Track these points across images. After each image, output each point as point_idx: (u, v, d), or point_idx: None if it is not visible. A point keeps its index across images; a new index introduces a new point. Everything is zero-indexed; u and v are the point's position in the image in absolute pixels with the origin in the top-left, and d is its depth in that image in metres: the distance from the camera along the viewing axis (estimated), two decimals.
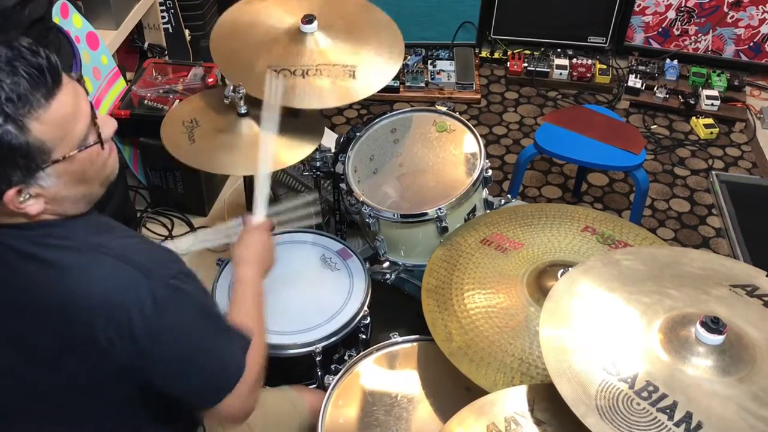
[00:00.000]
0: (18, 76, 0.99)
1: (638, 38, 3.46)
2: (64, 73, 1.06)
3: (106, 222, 1.19)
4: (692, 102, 3.21)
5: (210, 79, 2.59)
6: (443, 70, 3.36)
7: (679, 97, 3.25)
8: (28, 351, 1.14)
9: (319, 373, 1.67)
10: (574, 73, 3.38)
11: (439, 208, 1.69)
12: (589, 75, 3.38)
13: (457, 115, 1.89)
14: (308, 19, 1.81)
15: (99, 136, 1.10)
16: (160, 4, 2.98)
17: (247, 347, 1.23)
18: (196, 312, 1.15)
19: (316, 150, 1.84)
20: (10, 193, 1.03)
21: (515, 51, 3.49)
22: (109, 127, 1.13)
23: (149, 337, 1.08)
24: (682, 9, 3.32)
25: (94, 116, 1.09)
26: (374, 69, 1.81)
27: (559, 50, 3.50)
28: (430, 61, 3.40)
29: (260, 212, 1.56)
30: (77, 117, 1.06)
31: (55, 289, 1.08)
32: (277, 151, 1.81)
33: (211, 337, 1.18)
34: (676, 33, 3.40)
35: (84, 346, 1.09)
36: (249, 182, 2.16)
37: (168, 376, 1.15)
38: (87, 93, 1.12)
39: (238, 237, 1.51)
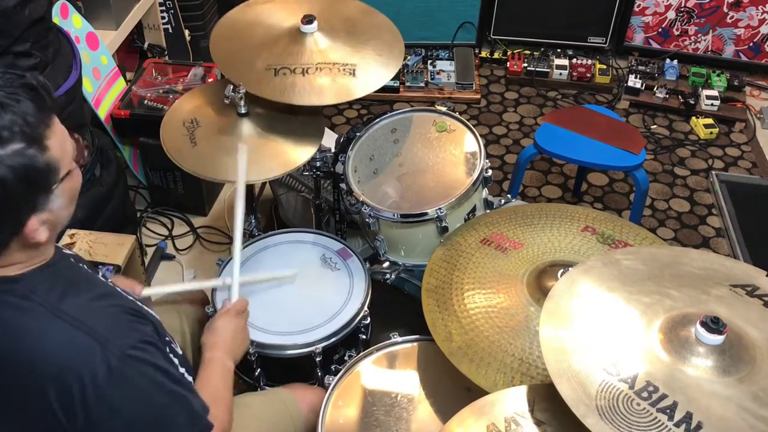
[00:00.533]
0: (22, 100, 1.00)
1: (638, 38, 3.46)
2: None
3: (75, 276, 1.17)
4: (692, 102, 3.21)
5: (210, 79, 2.59)
6: (443, 70, 3.36)
7: (679, 97, 3.25)
8: None
9: (319, 374, 1.67)
10: (574, 73, 3.38)
11: (439, 208, 1.69)
12: (589, 75, 3.38)
13: (457, 115, 1.89)
14: (308, 19, 1.82)
15: (81, 150, 1.11)
16: (160, 4, 2.98)
17: (207, 427, 1.20)
18: (153, 383, 1.12)
19: (317, 150, 1.84)
20: (33, 222, 1.04)
21: (515, 51, 3.49)
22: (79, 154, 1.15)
23: (103, 406, 1.06)
24: (682, 9, 3.32)
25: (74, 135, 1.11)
26: (374, 68, 1.81)
27: (558, 50, 3.50)
28: (430, 61, 3.40)
29: (234, 294, 1.56)
30: (66, 135, 1.08)
31: (10, 351, 1.06)
32: (279, 153, 1.81)
33: (170, 405, 1.15)
34: (676, 33, 3.40)
35: (35, 410, 1.07)
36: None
37: None
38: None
39: (209, 322, 1.50)
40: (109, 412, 1.07)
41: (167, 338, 1.26)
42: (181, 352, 1.30)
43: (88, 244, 1.97)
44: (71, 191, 1.10)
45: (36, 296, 1.08)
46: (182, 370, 1.24)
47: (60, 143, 1.05)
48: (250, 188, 2.19)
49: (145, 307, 1.24)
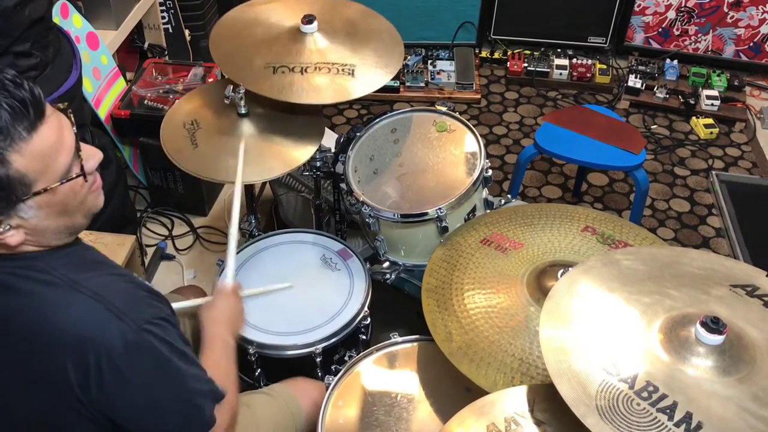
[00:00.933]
0: (0, 109, 0.98)
1: (638, 38, 3.46)
2: (49, 105, 1.06)
3: (92, 257, 1.19)
4: (692, 102, 3.21)
5: (210, 79, 2.59)
6: (443, 70, 3.36)
7: (679, 97, 3.25)
8: (4, 381, 1.14)
9: (320, 374, 1.67)
10: (574, 73, 3.38)
11: (439, 208, 1.69)
12: (589, 75, 3.38)
13: (457, 115, 1.89)
14: (308, 19, 1.82)
15: (82, 168, 1.09)
16: (160, 4, 2.98)
17: (218, 400, 1.23)
18: (167, 359, 1.13)
19: (316, 150, 1.84)
20: None
21: (515, 51, 3.49)
22: (93, 158, 1.12)
23: (116, 380, 1.08)
24: (682, 9, 3.32)
25: (78, 148, 1.08)
26: (373, 69, 1.81)
27: (559, 50, 3.50)
28: (430, 61, 3.40)
29: (229, 275, 1.59)
30: (60, 149, 1.05)
31: (29, 322, 1.08)
32: (279, 153, 1.81)
33: (181, 384, 1.16)
34: (676, 33, 3.40)
35: (51, 381, 1.08)
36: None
37: (133, 421, 1.14)
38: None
39: (207, 301, 1.53)
40: (123, 384, 1.09)
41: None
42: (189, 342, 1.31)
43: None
44: (54, 205, 1.07)
45: (55, 272, 1.09)
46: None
47: (39, 160, 1.02)
48: (249, 186, 2.19)
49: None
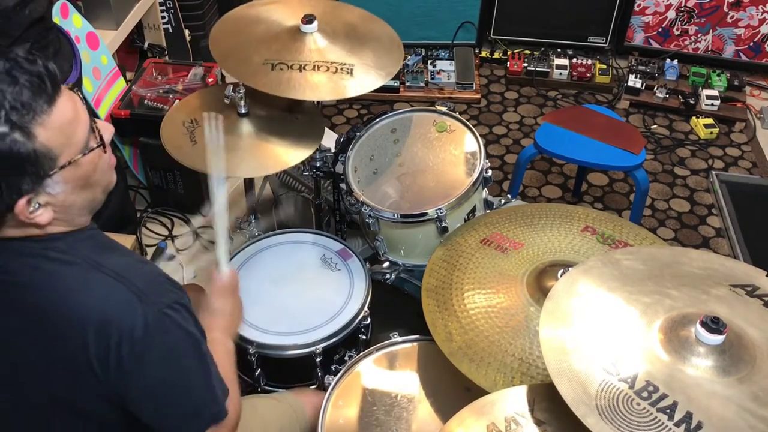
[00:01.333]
0: (19, 86, 1.00)
1: (638, 38, 3.46)
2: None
3: (110, 241, 1.20)
4: (692, 102, 3.21)
5: (210, 79, 2.59)
6: (443, 70, 3.36)
7: (679, 97, 3.25)
8: (16, 361, 1.14)
9: (320, 374, 1.67)
10: (574, 73, 3.38)
11: (439, 208, 1.69)
12: (589, 75, 3.38)
13: (457, 115, 1.89)
14: (308, 19, 1.82)
15: (101, 138, 1.12)
16: (160, 4, 2.98)
17: (227, 394, 1.22)
18: (185, 344, 1.14)
19: (316, 150, 1.84)
20: (21, 202, 1.04)
21: (515, 51, 3.49)
22: (108, 131, 1.15)
23: (134, 360, 1.08)
24: (682, 9, 3.32)
25: (93, 121, 1.11)
26: (372, 69, 1.81)
27: (559, 50, 3.50)
28: (430, 61, 3.40)
29: (224, 264, 1.53)
30: (78, 122, 1.08)
31: (50, 301, 1.08)
32: (279, 152, 1.81)
33: (195, 371, 1.17)
34: (676, 33, 3.40)
35: (72, 359, 1.09)
36: (249, 182, 2.16)
37: (147, 403, 1.14)
38: (84, 100, 1.13)
39: (205, 301, 1.48)
40: (139, 366, 1.09)
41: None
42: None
43: None
44: (78, 178, 1.09)
45: (78, 252, 1.11)
46: None
47: (61, 132, 1.04)
48: (249, 186, 2.19)
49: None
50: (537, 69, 3.40)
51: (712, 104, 3.21)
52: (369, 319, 1.74)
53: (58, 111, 1.04)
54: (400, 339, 1.64)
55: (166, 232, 2.65)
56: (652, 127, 3.20)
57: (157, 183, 2.62)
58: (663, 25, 3.39)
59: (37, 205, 1.07)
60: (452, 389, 1.50)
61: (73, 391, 1.13)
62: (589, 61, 3.39)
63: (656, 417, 1.03)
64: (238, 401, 1.30)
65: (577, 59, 3.40)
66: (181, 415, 1.17)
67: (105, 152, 1.13)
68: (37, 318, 1.10)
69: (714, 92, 3.25)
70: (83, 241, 1.13)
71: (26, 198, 1.05)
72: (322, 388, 1.65)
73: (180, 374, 1.15)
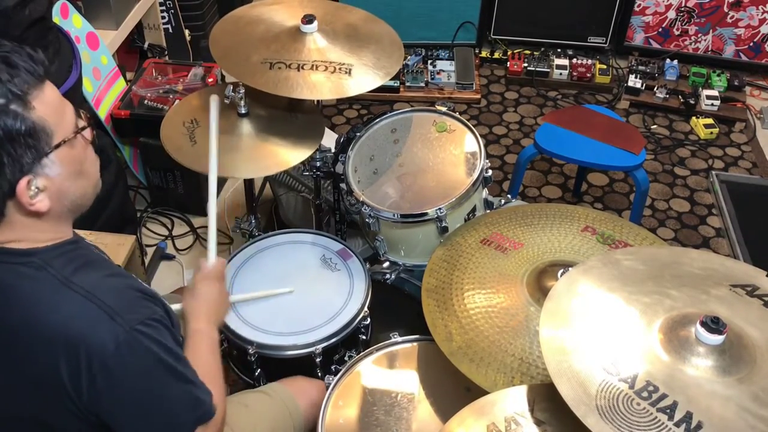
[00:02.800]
0: (14, 66, 1.04)
1: (638, 38, 3.46)
2: None
3: (90, 256, 1.19)
4: (692, 102, 3.21)
5: (210, 79, 2.59)
6: (443, 70, 3.36)
7: (679, 97, 3.25)
8: None
9: (320, 374, 1.67)
10: (574, 73, 3.38)
11: (439, 208, 1.69)
12: (589, 75, 3.38)
13: (457, 115, 1.89)
14: (308, 19, 1.82)
15: (88, 120, 1.15)
16: (160, 4, 2.98)
17: (210, 395, 1.21)
18: (158, 361, 1.12)
19: (316, 150, 1.84)
20: (23, 183, 1.05)
21: (515, 51, 3.49)
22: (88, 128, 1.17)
23: (107, 379, 1.07)
24: (682, 9, 3.32)
25: (76, 108, 1.14)
26: (371, 69, 1.81)
27: (559, 50, 3.50)
28: (430, 61, 3.40)
29: (212, 254, 1.53)
30: (65, 103, 1.12)
31: (21, 320, 1.08)
32: (279, 153, 1.81)
33: (173, 384, 1.15)
34: (676, 33, 3.40)
35: (43, 380, 1.08)
36: (248, 182, 2.16)
37: (126, 420, 1.13)
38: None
39: (190, 284, 1.49)
40: (113, 385, 1.08)
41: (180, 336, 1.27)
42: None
43: None
44: (73, 161, 1.11)
45: (50, 269, 1.10)
46: None
47: (54, 109, 1.08)
48: (249, 186, 2.19)
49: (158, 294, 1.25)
50: (537, 69, 3.40)
51: (712, 104, 3.21)
52: (369, 319, 1.74)
53: (48, 89, 1.08)
54: (400, 339, 1.64)
55: (166, 232, 2.65)
56: (652, 127, 3.20)
57: (157, 183, 2.62)
58: (663, 25, 3.39)
59: (36, 190, 1.08)
60: (452, 389, 1.50)
61: (46, 410, 1.12)
62: (589, 61, 3.39)
63: (656, 417, 1.03)
64: (222, 396, 1.28)
65: (577, 59, 3.40)
66: (165, 426, 1.16)
67: (93, 132, 1.16)
68: (10, 338, 1.09)
69: (714, 92, 3.25)
70: (60, 256, 1.12)
71: (27, 178, 1.06)
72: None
73: (157, 389, 1.13)
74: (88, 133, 1.15)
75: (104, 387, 1.08)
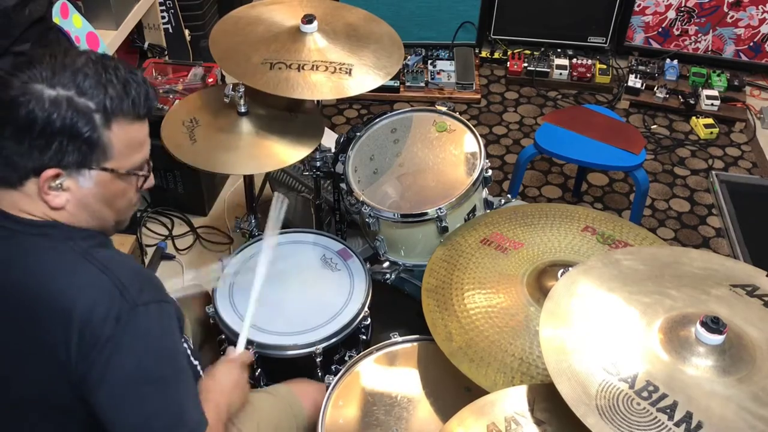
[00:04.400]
0: (127, 93, 1.11)
1: (638, 38, 3.46)
2: None
3: (110, 241, 1.23)
4: (692, 102, 3.21)
5: (210, 79, 2.59)
6: (443, 70, 3.36)
7: (679, 97, 3.25)
8: (4, 346, 1.14)
9: (320, 374, 1.67)
10: (574, 73, 3.38)
11: (439, 208, 1.69)
12: (589, 75, 3.38)
13: (457, 115, 1.89)
14: (308, 19, 1.82)
15: (148, 170, 1.19)
16: (160, 4, 2.98)
17: (205, 424, 1.16)
18: (155, 347, 1.11)
19: (316, 150, 1.84)
20: (51, 171, 1.09)
21: (515, 51, 3.49)
22: (152, 179, 1.22)
23: (97, 354, 1.07)
24: (682, 9, 3.32)
25: (150, 160, 1.19)
26: (371, 69, 1.81)
27: (559, 50, 3.50)
28: (430, 61, 3.40)
29: (241, 344, 1.52)
30: (142, 149, 1.18)
31: (37, 286, 1.09)
32: (278, 151, 1.81)
33: (165, 379, 1.12)
34: (676, 33, 3.40)
35: (49, 350, 1.08)
36: (249, 182, 2.16)
37: (109, 403, 1.09)
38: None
39: (210, 368, 1.40)
40: (101, 360, 1.07)
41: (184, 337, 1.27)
42: (193, 347, 1.30)
43: None
44: (109, 189, 1.15)
45: (71, 241, 1.13)
46: (195, 361, 1.26)
47: (127, 144, 1.13)
48: (249, 186, 2.19)
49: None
50: (537, 69, 3.40)
51: (712, 104, 3.21)
52: (369, 319, 1.74)
53: (137, 128, 1.15)
54: (400, 339, 1.64)
55: (166, 232, 2.65)
56: (652, 127, 3.20)
57: (157, 183, 2.60)
58: (663, 25, 3.39)
59: (59, 185, 1.11)
60: (452, 389, 1.50)
61: (49, 381, 1.11)
62: (589, 61, 3.39)
63: (656, 417, 1.03)
64: (219, 424, 1.24)
65: (577, 59, 3.40)
66: (143, 423, 1.10)
67: (144, 184, 1.20)
68: (23, 304, 1.10)
69: (714, 92, 3.25)
70: (80, 231, 1.15)
71: (57, 171, 1.09)
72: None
73: (146, 374, 1.10)
74: (140, 182, 1.19)
75: (94, 360, 1.07)
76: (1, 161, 1.10)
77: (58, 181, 1.10)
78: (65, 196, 1.12)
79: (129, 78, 1.12)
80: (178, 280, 1.67)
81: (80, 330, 1.06)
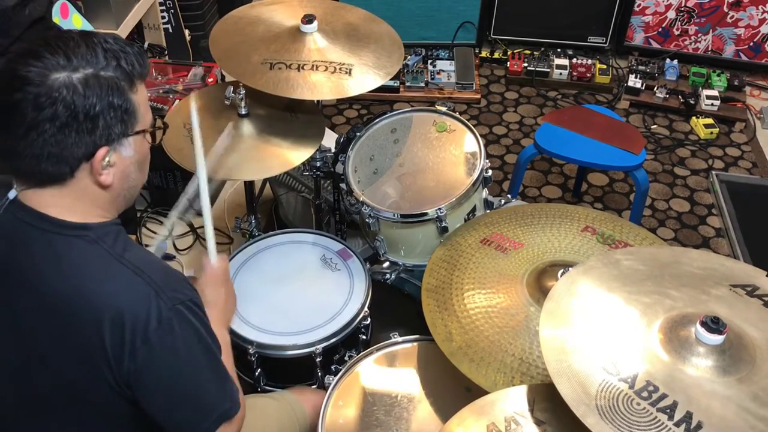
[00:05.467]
0: (129, 56, 1.14)
1: (638, 38, 3.46)
2: None
3: (130, 239, 1.23)
4: (692, 102, 3.21)
5: (210, 79, 2.59)
6: (443, 70, 3.36)
7: (679, 97, 3.25)
8: (30, 348, 1.15)
9: (320, 374, 1.67)
10: (574, 73, 3.38)
11: (439, 208, 1.69)
12: (589, 75, 3.38)
13: (457, 115, 1.89)
14: (308, 19, 1.82)
15: (163, 124, 1.23)
16: (160, 4, 2.98)
17: (238, 391, 1.24)
18: (196, 343, 1.15)
19: (317, 150, 1.84)
20: (102, 151, 1.10)
21: (515, 51, 3.49)
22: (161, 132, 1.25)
23: (147, 354, 1.09)
24: (682, 9, 3.32)
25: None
26: (371, 69, 1.81)
27: (559, 50, 3.50)
28: (430, 61, 3.40)
29: (212, 253, 1.52)
30: (148, 106, 1.20)
31: (73, 289, 1.10)
32: (280, 153, 1.81)
33: (207, 369, 1.18)
34: (676, 33, 3.40)
35: (86, 348, 1.10)
36: (249, 182, 2.16)
37: (159, 399, 1.15)
38: None
39: (197, 285, 1.46)
40: (152, 359, 1.10)
41: None
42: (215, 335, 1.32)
43: None
44: (142, 152, 1.19)
45: (104, 243, 1.14)
46: None
47: (144, 102, 1.17)
48: (249, 186, 2.19)
49: None
50: (537, 69, 3.40)
51: (712, 104, 3.21)
52: (369, 319, 1.74)
53: (142, 88, 1.17)
54: (400, 339, 1.64)
55: (166, 232, 2.65)
56: (652, 127, 3.20)
57: (157, 183, 2.62)
58: (663, 25, 3.39)
59: (108, 162, 1.12)
60: (452, 389, 1.50)
61: (86, 381, 1.13)
62: (589, 61, 3.39)
63: (656, 417, 1.03)
64: (242, 396, 1.30)
65: (577, 59, 3.40)
66: (193, 412, 1.17)
67: (162, 134, 1.23)
68: (60, 305, 1.11)
69: (714, 92, 3.25)
70: (109, 233, 1.16)
71: (106, 148, 1.11)
72: (322, 388, 1.65)
73: (192, 370, 1.16)
74: (155, 136, 1.21)
75: (143, 361, 1.10)
76: (52, 160, 1.09)
77: (107, 159, 1.12)
78: (113, 172, 1.14)
79: (120, 44, 1.14)
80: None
81: (121, 333, 1.08)
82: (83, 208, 1.15)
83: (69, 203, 1.13)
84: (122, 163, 1.15)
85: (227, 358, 1.37)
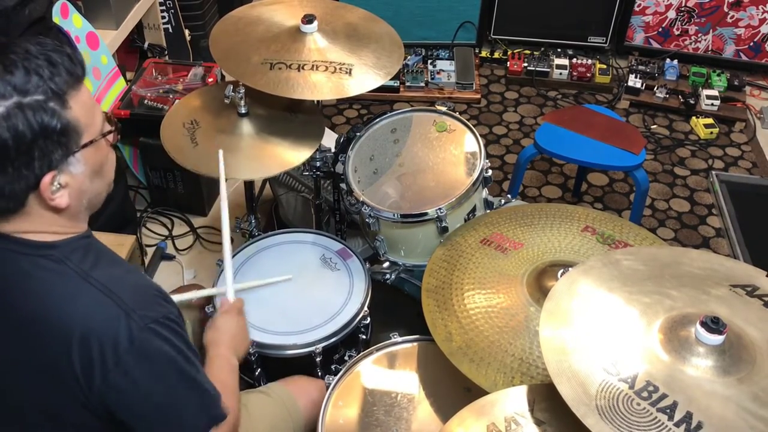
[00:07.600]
0: (56, 65, 1.06)
1: (638, 38, 3.46)
2: None
3: (103, 249, 1.21)
4: (692, 102, 3.21)
5: (210, 79, 2.59)
6: (443, 70, 3.36)
7: (679, 97, 3.25)
8: (3, 362, 1.15)
9: (319, 373, 1.67)
10: (574, 73, 3.38)
11: (439, 208, 1.69)
12: (589, 75, 3.38)
13: (457, 115, 1.89)
14: (308, 19, 1.82)
15: (114, 124, 1.17)
16: (160, 4, 2.98)
17: (219, 398, 1.22)
18: (174, 357, 1.13)
19: (316, 150, 1.84)
20: (47, 178, 1.06)
21: (515, 51, 3.49)
22: (118, 131, 1.19)
23: (119, 374, 1.08)
24: (682, 9, 3.32)
25: (105, 112, 1.16)
26: (371, 69, 1.81)
27: (559, 50, 3.50)
28: (430, 61, 3.40)
29: (230, 292, 1.57)
30: (95, 106, 1.13)
31: (38, 309, 1.09)
32: (279, 153, 1.81)
33: (185, 385, 1.16)
34: (676, 33, 3.40)
35: (55, 369, 1.09)
36: (249, 182, 2.16)
37: (139, 417, 1.14)
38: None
39: (210, 321, 1.50)
40: (125, 380, 1.09)
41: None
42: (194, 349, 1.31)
43: None
44: (95, 161, 1.13)
45: (70, 262, 1.11)
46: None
47: (87, 110, 1.10)
48: (249, 186, 2.19)
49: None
50: (537, 69, 3.40)
51: (712, 104, 3.21)
52: (369, 319, 1.74)
53: (84, 91, 1.10)
54: (400, 339, 1.64)
55: (166, 232, 2.65)
56: (652, 127, 3.20)
57: (157, 183, 2.62)
58: (663, 25, 3.39)
59: (58, 185, 1.09)
60: (452, 389, 1.50)
61: (57, 401, 1.12)
62: (589, 61, 3.39)
63: (656, 417, 1.03)
64: (235, 403, 1.30)
65: (577, 59, 3.40)
66: (176, 427, 1.17)
67: (118, 136, 1.18)
68: (26, 325, 1.10)
69: (714, 92, 3.25)
70: (76, 250, 1.14)
71: (52, 174, 1.07)
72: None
73: (170, 387, 1.15)
74: (112, 137, 1.16)
75: (118, 383, 1.09)
76: None
77: (56, 183, 1.08)
78: (66, 193, 1.10)
79: (45, 52, 1.06)
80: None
81: (89, 353, 1.06)
82: (45, 229, 1.12)
83: (29, 227, 1.11)
84: (75, 181, 1.11)
85: (232, 377, 1.38)
